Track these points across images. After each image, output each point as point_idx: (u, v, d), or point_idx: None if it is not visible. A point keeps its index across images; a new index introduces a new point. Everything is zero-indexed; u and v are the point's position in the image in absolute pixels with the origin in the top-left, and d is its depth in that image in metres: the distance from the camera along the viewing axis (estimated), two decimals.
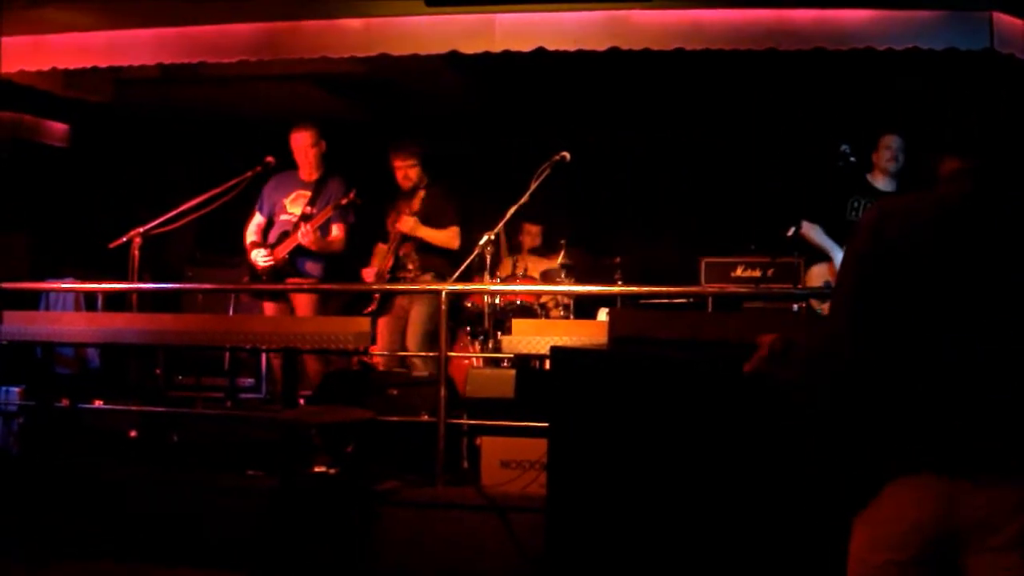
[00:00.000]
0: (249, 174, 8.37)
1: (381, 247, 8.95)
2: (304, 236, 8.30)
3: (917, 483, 2.87)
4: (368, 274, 8.76)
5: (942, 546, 2.85)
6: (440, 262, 8.66)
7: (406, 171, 8.75)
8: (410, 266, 8.61)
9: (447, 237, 8.61)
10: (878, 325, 2.97)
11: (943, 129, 3.23)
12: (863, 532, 2.99)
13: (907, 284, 2.94)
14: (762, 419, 3.94)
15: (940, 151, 3.17)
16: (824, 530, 3.49)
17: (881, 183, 8.08)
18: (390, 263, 8.61)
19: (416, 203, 8.52)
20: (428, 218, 8.56)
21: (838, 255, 7.87)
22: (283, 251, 8.45)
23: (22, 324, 7.29)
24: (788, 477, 3.88)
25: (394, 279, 8.56)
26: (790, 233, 7.71)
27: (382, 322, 8.37)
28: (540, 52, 7.84)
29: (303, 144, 8.66)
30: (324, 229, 8.50)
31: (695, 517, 4.10)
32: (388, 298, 8.56)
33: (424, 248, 8.64)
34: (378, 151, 8.91)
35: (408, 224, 8.47)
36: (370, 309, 8.48)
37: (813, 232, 8.02)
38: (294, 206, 8.63)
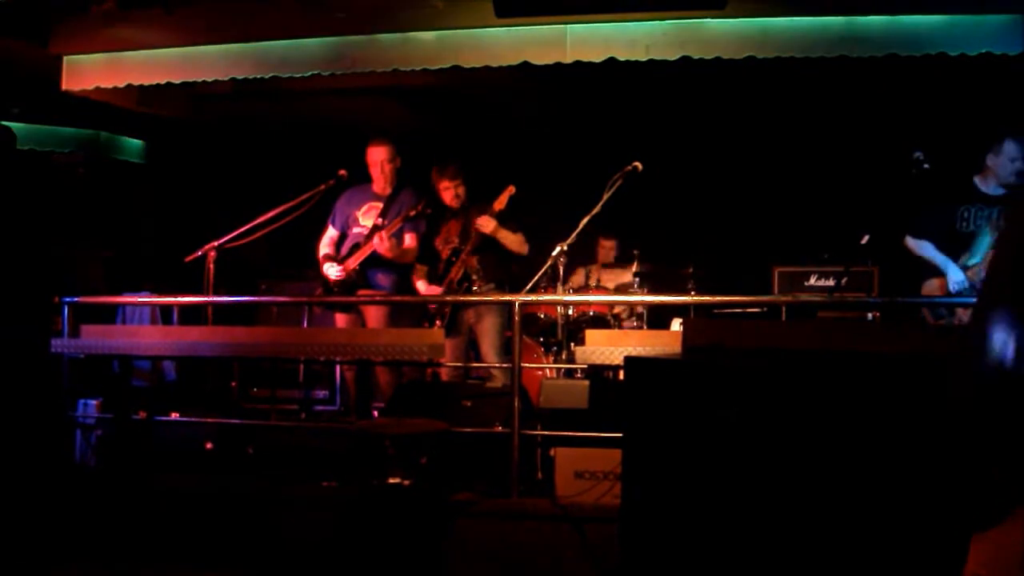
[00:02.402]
0: (322, 187, 8.41)
1: (420, 267, 8.95)
2: (380, 243, 8.32)
3: None
4: (428, 290, 8.77)
5: None
6: (503, 273, 8.66)
7: (455, 190, 8.74)
8: (475, 277, 8.60)
9: (520, 241, 8.60)
10: None
11: None
12: (986, 551, 2.88)
13: None
14: (839, 429, 3.90)
15: None
16: (931, 549, 3.45)
17: (991, 188, 7.87)
18: (458, 276, 8.60)
19: (502, 200, 8.45)
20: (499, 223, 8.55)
21: (952, 271, 7.71)
22: (354, 263, 8.48)
23: (99, 337, 7.36)
24: (871, 491, 3.84)
25: (461, 292, 8.56)
26: (864, 241, 7.63)
27: (446, 339, 8.33)
28: (611, 62, 7.84)
29: (379, 159, 8.70)
30: (398, 238, 8.51)
31: (771, 530, 4.07)
32: (453, 315, 8.58)
33: (487, 260, 8.65)
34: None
35: (490, 225, 8.44)
36: (437, 326, 8.48)
37: (922, 248, 7.85)
38: (366, 218, 8.67)
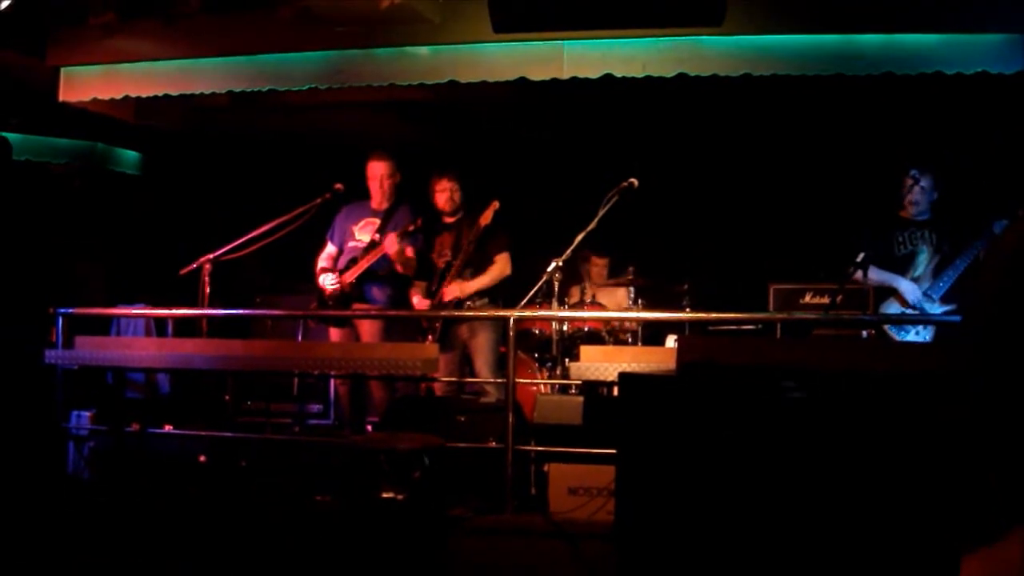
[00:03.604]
0: (318, 201, 8.39)
1: (419, 283, 8.93)
2: (390, 245, 8.31)
3: None
4: (421, 305, 8.76)
5: None
6: (497, 289, 8.65)
7: (451, 194, 8.77)
8: None
9: (498, 270, 8.60)
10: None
11: None
12: (977, 570, 2.82)
13: None
14: (833, 447, 3.90)
15: None
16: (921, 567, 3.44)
17: (916, 214, 8.01)
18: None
19: (487, 216, 8.47)
20: (482, 244, 8.58)
21: (903, 283, 7.81)
22: (350, 276, 8.47)
23: (94, 349, 7.33)
24: (866, 508, 3.84)
25: (452, 307, 8.55)
26: (859, 259, 7.63)
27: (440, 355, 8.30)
28: (608, 78, 7.85)
29: (379, 174, 8.71)
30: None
31: (765, 547, 4.06)
32: (446, 331, 8.57)
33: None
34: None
35: (455, 292, 8.51)
36: (430, 341, 8.47)
37: (871, 273, 7.91)
38: (363, 233, 8.66)
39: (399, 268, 8.54)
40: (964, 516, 2.90)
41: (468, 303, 8.54)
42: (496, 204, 8.47)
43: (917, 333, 7.72)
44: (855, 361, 4.44)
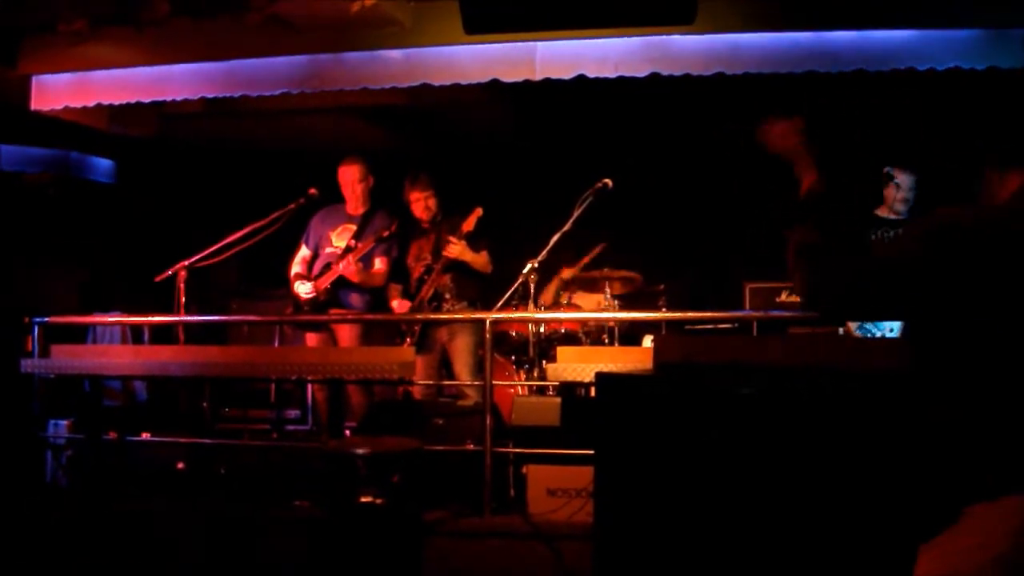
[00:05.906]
0: (292, 206, 8.38)
1: (395, 286, 8.93)
2: (345, 268, 8.29)
3: (1006, 507, 2.69)
4: (401, 306, 8.74)
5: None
6: (475, 291, 8.65)
7: (426, 202, 8.72)
8: (447, 296, 8.58)
9: (485, 261, 8.59)
10: (958, 337, 2.86)
11: (1006, 146, 3.14)
12: (936, 562, 2.81)
13: (990, 296, 2.82)
14: (812, 446, 3.91)
15: (1004, 167, 3.09)
16: (882, 561, 3.45)
17: (892, 216, 8.07)
18: (429, 294, 8.58)
19: (470, 222, 8.45)
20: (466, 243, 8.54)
21: None
22: (324, 283, 8.44)
23: (70, 357, 7.31)
24: (842, 505, 3.85)
25: (431, 310, 8.54)
26: None
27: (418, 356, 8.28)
28: (580, 79, 7.85)
29: (351, 178, 8.66)
30: (367, 262, 8.48)
31: (745, 547, 4.07)
32: (425, 333, 8.56)
33: (460, 278, 8.63)
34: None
35: (456, 249, 8.42)
36: (408, 343, 8.45)
37: None
38: (340, 239, 8.63)
39: (361, 282, 8.51)
40: (925, 510, 2.89)
41: (447, 307, 8.53)
42: (479, 211, 8.45)
43: (891, 331, 7.73)
44: (831, 359, 4.45)
